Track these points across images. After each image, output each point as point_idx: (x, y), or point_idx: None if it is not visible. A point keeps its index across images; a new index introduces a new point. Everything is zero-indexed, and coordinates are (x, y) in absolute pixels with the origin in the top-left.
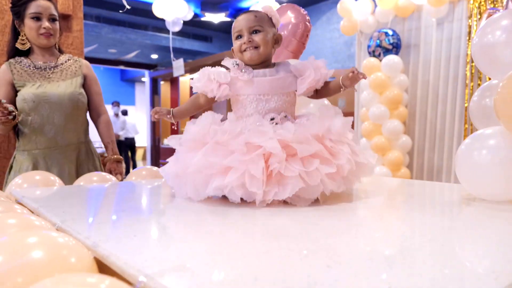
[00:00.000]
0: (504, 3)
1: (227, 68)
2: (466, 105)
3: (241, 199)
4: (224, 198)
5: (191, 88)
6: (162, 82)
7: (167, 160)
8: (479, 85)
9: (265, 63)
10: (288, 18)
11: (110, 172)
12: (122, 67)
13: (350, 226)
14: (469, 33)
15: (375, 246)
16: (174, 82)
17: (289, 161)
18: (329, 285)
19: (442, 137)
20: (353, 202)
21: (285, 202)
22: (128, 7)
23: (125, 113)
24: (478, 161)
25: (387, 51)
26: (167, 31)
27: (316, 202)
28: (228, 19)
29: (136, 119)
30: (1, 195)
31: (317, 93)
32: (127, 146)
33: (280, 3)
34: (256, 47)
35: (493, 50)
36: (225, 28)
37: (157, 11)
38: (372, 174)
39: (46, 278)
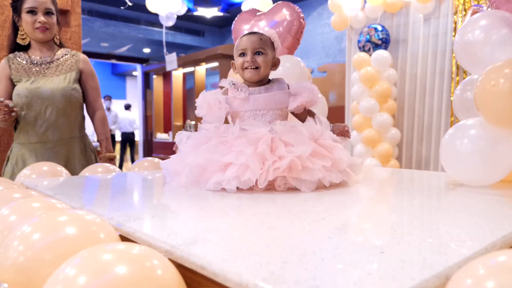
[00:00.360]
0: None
1: (221, 87)
2: (452, 98)
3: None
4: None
5: (184, 82)
6: (154, 76)
7: (169, 156)
8: (464, 78)
9: (261, 82)
10: (284, 15)
11: None
12: (114, 61)
13: (346, 206)
14: (455, 29)
15: (370, 222)
16: (167, 76)
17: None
18: (331, 251)
19: (429, 130)
20: (348, 187)
21: (290, 189)
22: (130, 3)
23: (128, 107)
24: (460, 149)
25: (376, 46)
26: (160, 25)
27: (316, 189)
28: (221, 14)
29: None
30: (13, 184)
31: (297, 116)
32: (126, 141)
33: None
34: (257, 68)
35: (472, 47)
36: (217, 23)
37: (151, 6)
38: (360, 173)
39: (79, 251)
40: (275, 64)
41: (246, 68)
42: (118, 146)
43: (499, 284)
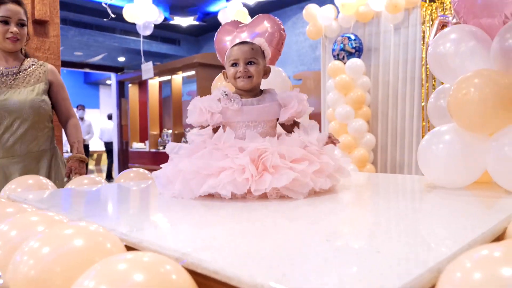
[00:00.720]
0: (453, 11)
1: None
2: (423, 104)
3: (233, 195)
4: (211, 195)
5: (160, 90)
6: (130, 85)
7: (147, 166)
8: (433, 85)
9: (253, 91)
10: (265, 27)
11: (70, 171)
12: (87, 70)
13: (337, 211)
14: (423, 38)
15: (361, 224)
16: (142, 85)
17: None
18: (331, 252)
19: (402, 134)
20: (336, 193)
21: (282, 197)
22: (112, 16)
23: (111, 117)
24: (436, 154)
25: (350, 55)
26: (136, 34)
27: (306, 196)
28: (197, 23)
29: (100, 122)
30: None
31: (286, 128)
32: (109, 151)
33: (247, 7)
34: (250, 77)
35: (444, 58)
36: (193, 31)
37: (128, 16)
38: (349, 177)
39: (89, 262)
40: (266, 72)
41: (239, 77)
42: (104, 156)
43: (484, 274)
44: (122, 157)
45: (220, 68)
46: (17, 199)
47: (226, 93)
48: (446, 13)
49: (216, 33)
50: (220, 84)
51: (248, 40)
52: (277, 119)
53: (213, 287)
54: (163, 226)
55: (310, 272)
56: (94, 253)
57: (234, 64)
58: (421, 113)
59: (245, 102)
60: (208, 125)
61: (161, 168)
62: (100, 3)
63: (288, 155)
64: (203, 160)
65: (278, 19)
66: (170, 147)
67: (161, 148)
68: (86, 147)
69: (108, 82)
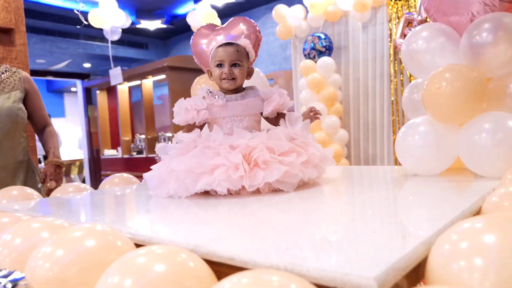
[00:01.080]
0: (417, 8)
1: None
2: (392, 99)
3: (228, 191)
4: (207, 193)
5: (130, 96)
6: (98, 92)
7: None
8: (402, 80)
9: (237, 89)
10: (241, 29)
11: (45, 177)
12: (50, 78)
13: (328, 201)
14: (390, 35)
15: (353, 210)
16: (111, 90)
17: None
18: (333, 234)
19: (374, 129)
20: (318, 186)
21: (274, 191)
22: (85, 22)
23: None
24: (412, 144)
25: (321, 53)
26: (101, 39)
27: (296, 188)
28: (164, 26)
29: (67, 131)
30: None
31: (272, 121)
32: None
33: (215, 9)
34: (234, 79)
35: (416, 55)
36: (161, 35)
37: (94, 21)
38: (333, 165)
39: (103, 261)
40: (249, 73)
41: (224, 78)
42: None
43: (469, 244)
44: (94, 165)
45: (191, 71)
46: (6, 210)
47: (210, 90)
48: (411, 10)
49: (192, 36)
50: (199, 86)
51: (233, 41)
52: (261, 113)
53: (227, 273)
54: (166, 224)
55: (319, 252)
56: (107, 251)
57: (219, 65)
58: (390, 107)
59: (229, 98)
60: (195, 123)
61: (151, 169)
62: (63, 8)
63: (277, 149)
64: (195, 159)
65: (253, 21)
66: (160, 148)
67: (134, 153)
68: None
69: (73, 89)
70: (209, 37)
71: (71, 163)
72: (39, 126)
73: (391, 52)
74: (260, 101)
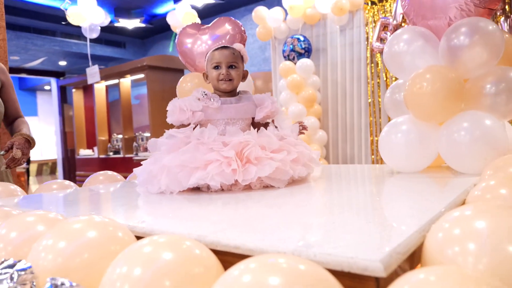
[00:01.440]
0: (393, 13)
1: None
2: (369, 100)
3: (221, 189)
4: (197, 190)
5: (107, 95)
6: (74, 90)
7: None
8: (378, 83)
9: (232, 92)
10: (226, 29)
11: (12, 145)
12: (24, 75)
13: (318, 195)
14: (367, 38)
15: (345, 204)
16: (87, 89)
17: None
18: (331, 224)
19: (352, 130)
20: (307, 182)
21: (265, 187)
22: (71, 21)
23: None
24: (395, 143)
25: (300, 55)
26: (78, 37)
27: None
28: (143, 25)
29: (39, 130)
30: None
31: (259, 126)
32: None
33: (195, 9)
34: (231, 80)
35: (398, 57)
36: (139, 34)
37: (72, 18)
38: (319, 166)
39: (105, 251)
40: (244, 76)
41: (221, 80)
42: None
43: (461, 231)
44: (68, 165)
45: (170, 70)
46: None
47: (205, 93)
48: (387, 15)
49: (177, 35)
50: (184, 85)
51: (228, 45)
52: (253, 118)
53: (231, 262)
54: (163, 218)
55: (323, 238)
56: (108, 242)
57: (217, 67)
58: (368, 109)
59: (224, 101)
60: (189, 124)
61: (141, 164)
62: (40, 5)
63: (268, 146)
64: (189, 154)
65: (239, 21)
66: (151, 143)
67: (111, 153)
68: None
69: (46, 87)
70: (195, 37)
71: (43, 163)
72: (11, 119)
73: (368, 55)
74: (253, 105)
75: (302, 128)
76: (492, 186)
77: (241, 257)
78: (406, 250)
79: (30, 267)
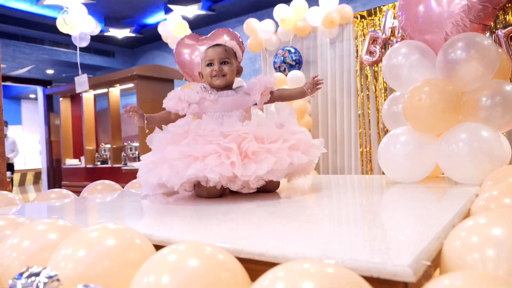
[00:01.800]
0: (382, 27)
1: None
2: (359, 112)
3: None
4: (199, 198)
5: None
6: (61, 99)
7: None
8: (368, 95)
9: (227, 87)
10: (224, 41)
11: None
12: (9, 83)
13: (325, 203)
14: (357, 51)
15: (355, 212)
16: (75, 98)
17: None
18: (353, 231)
19: (342, 141)
20: (315, 191)
21: (257, 194)
22: (70, 28)
23: None
24: (394, 154)
25: (291, 67)
26: (66, 45)
27: (285, 193)
28: (133, 35)
29: (24, 139)
30: None
31: (282, 98)
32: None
33: (186, 19)
34: (224, 75)
35: (396, 70)
36: (129, 43)
37: (62, 27)
38: (323, 151)
39: (126, 258)
40: (239, 71)
41: (215, 76)
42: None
43: (479, 238)
44: (53, 174)
45: (160, 80)
46: None
47: (204, 86)
48: (376, 29)
49: (176, 46)
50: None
51: (221, 43)
52: (250, 108)
53: (254, 269)
54: (174, 225)
55: (346, 246)
56: (128, 248)
57: (210, 64)
58: (357, 120)
59: (220, 94)
60: (185, 115)
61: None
62: (29, 12)
63: (267, 137)
64: (187, 146)
65: (237, 33)
66: (151, 138)
67: (98, 163)
68: (10, 165)
69: (31, 96)
70: (193, 47)
71: (25, 172)
72: None
73: (357, 67)
74: (247, 96)
75: (316, 82)
76: (496, 196)
77: (264, 264)
78: (429, 255)
79: (56, 274)
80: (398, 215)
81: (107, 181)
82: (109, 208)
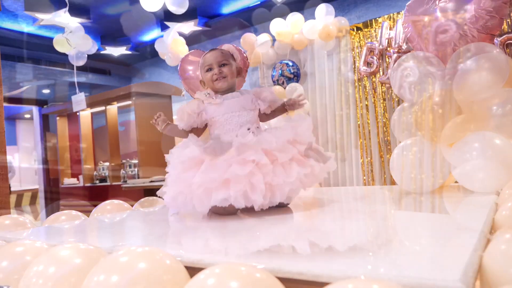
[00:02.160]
0: (378, 38)
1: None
2: (358, 122)
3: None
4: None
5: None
6: (58, 118)
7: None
8: (367, 105)
9: (231, 90)
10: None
11: None
12: (4, 104)
13: (325, 219)
14: (354, 62)
15: (377, 224)
16: (72, 117)
17: (274, 169)
18: (382, 248)
19: (342, 152)
20: (321, 205)
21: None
22: (73, 47)
23: None
24: (407, 163)
25: (289, 80)
26: (62, 65)
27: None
28: (129, 52)
29: (19, 160)
30: None
31: (267, 116)
32: None
33: (183, 36)
34: (225, 77)
35: (405, 80)
36: (125, 61)
37: (59, 46)
38: (334, 168)
39: (158, 280)
40: (239, 72)
41: (216, 79)
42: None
43: None
44: (50, 195)
45: (158, 97)
46: (8, 239)
47: (208, 92)
48: (372, 40)
49: (180, 63)
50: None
51: (216, 47)
52: (259, 110)
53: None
54: (200, 246)
55: (389, 263)
56: (159, 270)
57: (209, 69)
58: (357, 131)
59: (225, 97)
60: (197, 127)
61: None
62: (22, 32)
63: (281, 158)
64: (206, 174)
65: (241, 48)
66: (168, 157)
67: (97, 182)
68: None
69: (27, 116)
70: (197, 63)
71: (22, 193)
72: None
73: (356, 78)
74: (254, 97)
75: (299, 101)
76: None
77: (303, 283)
78: (474, 269)
79: None
80: (429, 227)
81: (116, 201)
82: (127, 229)
